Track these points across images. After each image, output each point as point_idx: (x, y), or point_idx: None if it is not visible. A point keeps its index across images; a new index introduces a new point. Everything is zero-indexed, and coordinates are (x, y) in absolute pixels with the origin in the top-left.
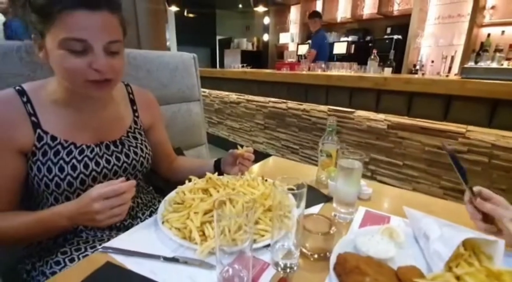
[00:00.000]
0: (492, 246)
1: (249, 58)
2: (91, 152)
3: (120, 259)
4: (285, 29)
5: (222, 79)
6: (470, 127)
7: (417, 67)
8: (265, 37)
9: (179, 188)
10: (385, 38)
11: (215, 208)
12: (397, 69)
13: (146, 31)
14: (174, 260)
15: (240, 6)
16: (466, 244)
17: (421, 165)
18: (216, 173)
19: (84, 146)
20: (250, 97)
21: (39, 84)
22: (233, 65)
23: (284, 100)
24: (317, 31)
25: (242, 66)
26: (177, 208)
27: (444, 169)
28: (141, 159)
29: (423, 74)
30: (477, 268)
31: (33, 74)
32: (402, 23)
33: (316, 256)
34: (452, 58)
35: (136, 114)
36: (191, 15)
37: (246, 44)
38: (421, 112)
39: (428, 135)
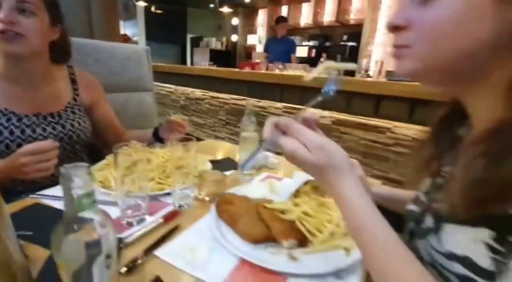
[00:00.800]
0: None
1: (218, 57)
2: (28, 120)
3: (49, 202)
4: (253, 31)
5: (189, 76)
6: (395, 123)
7: (369, 71)
8: (234, 37)
9: (109, 156)
10: (341, 44)
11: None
12: (351, 73)
13: (98, 21)
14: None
15: (212, 5)
16: (311, 184)
17: (358, 156)
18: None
19: (23, 115)
20: (214, 94)
21: None
22: (201, 63)
23: (245, 98)
24: (282, 36)
25: (210, 64)
26: (103, 168)
27: (376, 160)
28: (78, 130)
29: (363, 76)
30: (311, 198)
31: None
32: (356, 32)
33: (208, 198)
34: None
35: (76, 92)
36: (160, 11)
37: (216, 44)
38: (358, 110)
39: (364, 130)
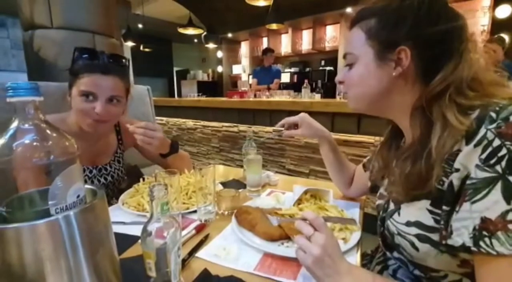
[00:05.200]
0: (327, 194)
1: (205, 88)
2: (89, 172)
3: None
4: (237, 62)
5: (179, 108)
6: (377, 138)
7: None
8: (219, 68)
9: (136, 184)
10: (320, 69)
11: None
12: (331, 95)
13: None
14: (132, 223)
15: (195, 40)
16: (310, 192)
17: None
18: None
19: (85, 167)
20: (206, 123)
21: (59, 117)
22: (190, 95)
23: (236, 124)
24: (270, 65)
25: (198, 95)
26: (133, 195)
27: None
28: (120, 179)
29: (342, 97)
30: (311, 203)
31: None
32: (332, 57)
33: (226, 212)
34: None
35: (121, 142)
36: (147, 49)
37: (202, 75)
38: (342, 128)
39: (349, 146)
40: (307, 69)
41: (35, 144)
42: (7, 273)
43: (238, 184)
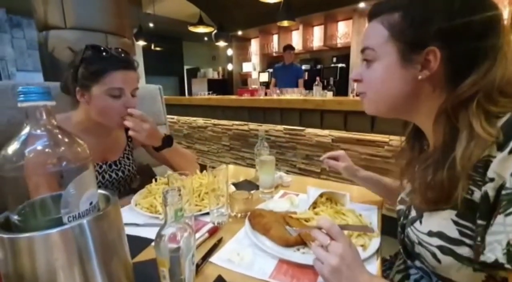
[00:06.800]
0: (343, 197)
1: (215, 86)
2: (100, 168)
3: None
4: (247, 59)
5: (190, 106)
6: (392, 137)
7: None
8: (230, 66)
9: (148, 185)
10: (331, 66)
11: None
12: (343, 93)
13: None
14: (145, 225)
15: (206, 39)
16: (325, 195)
17: None
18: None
19: (95, 163)
20: (216, 121)
21: (65, 116)
22: (200, 93)
23: (246, 123)
24: (291, 62)
25: (209, 94)
26: (146, 196)
27: (378, 172)
28: (131, 174)
29: (355, 95)
30: (327, 207)
31: None
32: (344, 54)
33: (239, 215)
34: None
35: (130, 139)
36: (158, 48)
37: (212, 73)
38: (355, 126)
39: (362, 145)
40: (319, 66)
41: (47, 150)
42: (20, 280)
43: (250, 185)
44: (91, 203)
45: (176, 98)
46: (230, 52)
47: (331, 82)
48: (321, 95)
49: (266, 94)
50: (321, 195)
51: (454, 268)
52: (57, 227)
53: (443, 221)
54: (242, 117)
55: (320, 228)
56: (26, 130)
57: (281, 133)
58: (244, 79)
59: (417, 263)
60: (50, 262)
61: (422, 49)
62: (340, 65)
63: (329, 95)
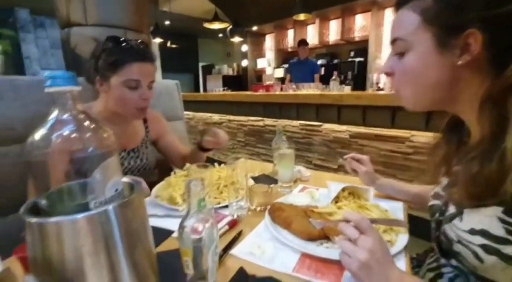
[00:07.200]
0: (367, 192)
1: (230, 82)
2: (118, 155)
3: None
4: (262, 55)
5: (205, 102)
6: (413, 132)
7: (380, 84)
8: (244, 62)
9: (168, 178)
10: (349, 61)
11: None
12: (361, 87)
13: None
14: (165, 216)
15: (220, 35)
16: (347, 190)
17: (379, 167)
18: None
19: None
20: (231, 117)
21: (86, 106)
22: (215, 89)
23: (262, 118)
24: (306, 57)
25: (223, 90)
26: (165, 188)
27: (398, 169)
28: (150, 163)
29: (374, 89)
30: (350, 202)
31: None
32: (362, 47)
33: (259, 208)
34: None
35: (147, 129)
36: (174, 45)
37: (227, 70)
38: (374, 122)
39: (381, 141)
40: (335, 61)
41: (73, 135)
42: (47, 267)
43: (268, 179)
44: (116, 190)
45: (191, 95)
46: (244, 48)
47: (349, 76)
48: (338, 90)
49: (281, 90)
50: (343, 189)
51: (498, 268)
52: (84, 212)
53: (486, 218)
54: (257, 113)
55: (347, 221)
56: (53, 115)
57: (297, 129)
58: (259, 75)
59: (453, 261)
60: (77, 247)
61: (461, 32)
62: (358, 59)
63: (347, 89)
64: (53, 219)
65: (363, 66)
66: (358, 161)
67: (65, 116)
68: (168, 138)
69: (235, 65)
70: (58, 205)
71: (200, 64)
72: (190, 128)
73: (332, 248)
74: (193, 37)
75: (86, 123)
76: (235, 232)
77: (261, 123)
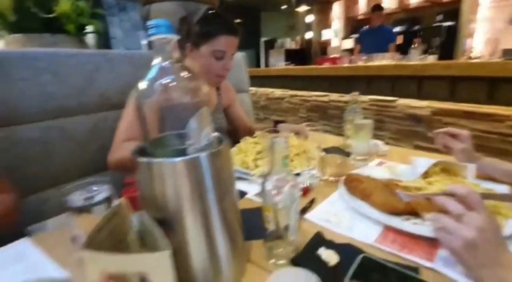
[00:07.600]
0: (465, 169)
1: (293, 56)
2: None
3: None
4: (327, 26)
5: (267, 77)
6: None
7: (472, 53)
8: (307, 35)
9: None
10: (434, 26)
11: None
12: (449, 57)
13: None
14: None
15: (284, 7)
16: (440, 165)
17: None
18: None
19: None
20: (293, 92)
21: None
22: (278, 64)
23: (326, 93)
24: (381, 24)
25: (286, 64)
26: (237, 153)
27: (492, 153)
28: (223, 128)
29: (470, 57)
30: (443, 178)
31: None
32: (452, 9)
33: (331, 178)
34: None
35: (220, 97)
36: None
37: (290, 43)
38: (466, 96)
39: (473, 119)
40: (416, 27)
41: (174, 83)
42: (153, 204)
43: (340, 151)
44: (208, 140)
45: (254, 70)
46: (309, 19)
47: (434, 44)
48: (420, 60)
49: (350, 62)
50: (435, 164)
51: None
52: (182, 156)
53: None
54: (321, 87)
55: (450, 195)
56: (156, 61)
57: (366, 105)
58: (323, 47)
59: None
60: (176, 187)
61: None
62: (446, 23)
63: (431, 59)
64: (157, 160)
65: (453, 31)
66: (453, 136)
67: (166, 63)
68: (237, 108)
69: (298, 38)
70: (159, 150)
71: (262, 39)
72: (252, 103)
73: (422, 225)
74: (257, 11)
75: (184, 72)
76: (307, 200)
77: (325, 98)
